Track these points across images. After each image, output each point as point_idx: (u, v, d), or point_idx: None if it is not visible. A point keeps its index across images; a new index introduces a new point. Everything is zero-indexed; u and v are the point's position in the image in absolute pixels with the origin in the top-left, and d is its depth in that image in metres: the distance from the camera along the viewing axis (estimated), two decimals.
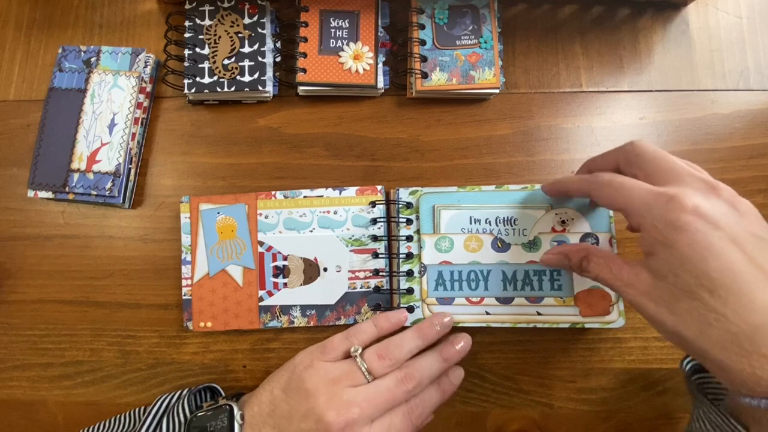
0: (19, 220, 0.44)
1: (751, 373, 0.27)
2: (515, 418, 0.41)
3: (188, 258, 0.42)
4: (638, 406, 0.41)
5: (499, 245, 0.41)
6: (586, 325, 0.39)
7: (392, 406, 0.34)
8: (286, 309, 0.42)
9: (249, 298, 0.42)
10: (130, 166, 0.43)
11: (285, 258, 0.42)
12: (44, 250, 0.44)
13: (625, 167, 0.33)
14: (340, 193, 0.42)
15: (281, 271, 0.42)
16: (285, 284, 0.42)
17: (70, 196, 0.42)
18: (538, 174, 0.44)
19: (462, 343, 0.38)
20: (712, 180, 0.30)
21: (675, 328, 0.29)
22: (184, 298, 0.42)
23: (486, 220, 0.41)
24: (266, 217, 0.42)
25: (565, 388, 0.42)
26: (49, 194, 0.42)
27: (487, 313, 0.40)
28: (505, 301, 0.40)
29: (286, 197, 0.42)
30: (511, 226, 0.40)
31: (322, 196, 0.42)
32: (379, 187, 0.42)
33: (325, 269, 0.42)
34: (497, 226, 0.41)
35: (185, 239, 0.42)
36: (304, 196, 0.42)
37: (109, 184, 0.42)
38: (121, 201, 0.43)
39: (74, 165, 0.42)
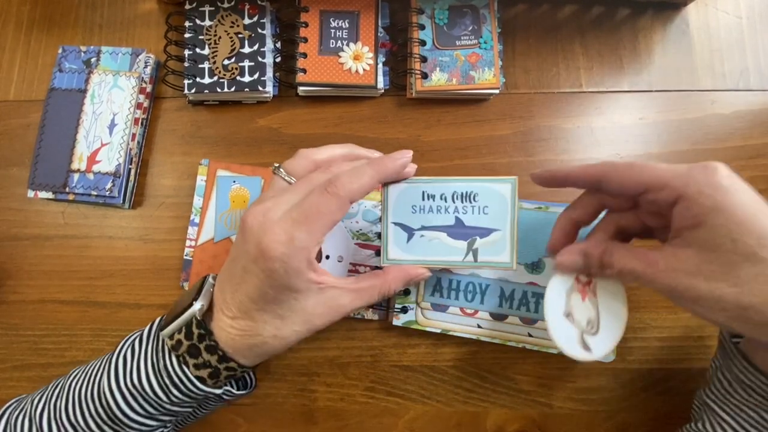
0: (19, 220, 0.44)
1: None
2: (515, 418, 0.41)
3: (196, 220, 0.42)
4: (638, 406, 0.41)
5: None
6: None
7: (311, 190, 0.31)
8: None
9: None
10: (130, 166, 0.43)
11: None
12: (44, 250, 0.44)
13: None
14: None
15: None
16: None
17: (70, 197, 0.42)
18: None
19: (402, 159, 0.33)
20: None
21: (739, 300, 0.27)
22: (185, 258, 0.42)
23: (441, 195, 0.36)
24: None
25: (565, 388, 0.42)
26: (49, 194, 0.42)
27: (479, 327, 0.40)
28: (499, 317, 0.40)
29: None
30: (470, 202, 0.36)
31: None
32: None
33: (327, 257, 0.42)
34: (454, 203, 0.36)
35: (197, 201, 0.42)
36: None
37: (109, 185, 0.42)
38: (121, 201, 0.43)
39: (74, 165, 0.42)
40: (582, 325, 0.34)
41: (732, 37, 0.46)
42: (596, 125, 0.44)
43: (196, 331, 0.32)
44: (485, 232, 0.35)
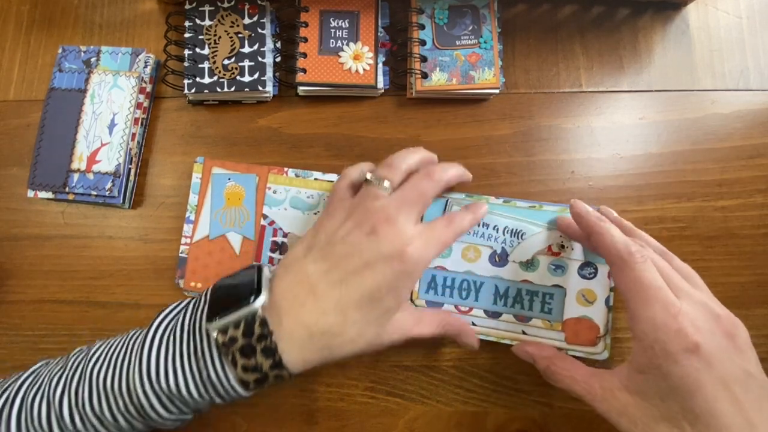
0: (19, 220, 0.44)
1: None
2: (515, 418, 0.41)
3: (192, 218, 0.42)
4: None
5: (497, 260, 0.40)
6: (569, 352, 0.39)
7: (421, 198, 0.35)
8: None
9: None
10: (130, 166, 0.43)
11: (285, 235, 0.42)
12: (44, 250, 0.44)
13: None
14: None
15: (279, 248, 0.42)
16: (280, 261, 0.42)
17: (70, 197, 0.42)
18: (537, 174, 0.44)
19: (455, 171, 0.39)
20: (713, 304, 0.32)
21: None
22: (180, 255, 0.42)
23: (494, 227, 0.40)
24: (274, 192, 0.42)
25: None
26: (49, 194, 0.42)
27: (474, 324, 0.40)
28: (494, 315, 0.40)
29: (297, 176, 0.42)
30: (518, 239, 0.40)
31: (332, 181, 0.42)
32: None
33: None
34: (504, 235, 0.40)
35: (192, 199, 0.42)
36: (315, 179, 0.42)
37: (109, 185, 0.42)
38: (121, 201, 0.43)
39: (74, 165, 0.42)
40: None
41: (732, 37, 0.46)
42: (596, 125, 0.44)
43: (258, 330, 0.30)
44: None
